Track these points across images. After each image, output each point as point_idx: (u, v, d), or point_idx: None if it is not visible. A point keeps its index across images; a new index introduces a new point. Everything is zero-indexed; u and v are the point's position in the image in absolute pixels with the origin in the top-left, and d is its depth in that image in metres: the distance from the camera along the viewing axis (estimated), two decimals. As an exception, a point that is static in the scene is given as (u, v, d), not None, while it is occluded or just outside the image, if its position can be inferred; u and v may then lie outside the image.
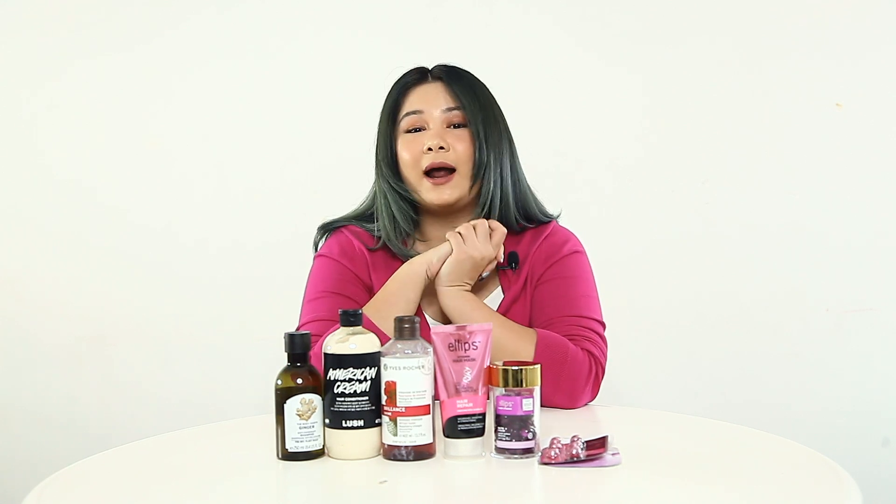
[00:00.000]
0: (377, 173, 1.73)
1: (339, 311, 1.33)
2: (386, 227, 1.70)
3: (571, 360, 1.57)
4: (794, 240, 2.55)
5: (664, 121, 2.58)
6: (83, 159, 2.61)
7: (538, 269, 1.70)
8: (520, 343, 1.56)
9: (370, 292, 1.69)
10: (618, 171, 2.58)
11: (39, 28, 2.60)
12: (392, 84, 1.74)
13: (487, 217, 1.69)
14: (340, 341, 1.31)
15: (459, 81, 1.70)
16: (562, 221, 1.79)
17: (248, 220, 2.61)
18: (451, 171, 1.66)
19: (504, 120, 1.73)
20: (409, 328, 1.30)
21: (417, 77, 1.72)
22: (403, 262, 1.70)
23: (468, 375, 1.30)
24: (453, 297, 1.62)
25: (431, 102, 1.69)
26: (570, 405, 1.58)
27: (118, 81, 2.60)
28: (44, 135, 2.62)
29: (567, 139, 2.55)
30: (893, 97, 2.54)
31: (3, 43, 2.61)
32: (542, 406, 1.54)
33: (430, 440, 1.30)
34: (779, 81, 2.55)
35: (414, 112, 1.69)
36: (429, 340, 1.31)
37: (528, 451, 1.29)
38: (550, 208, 1.78)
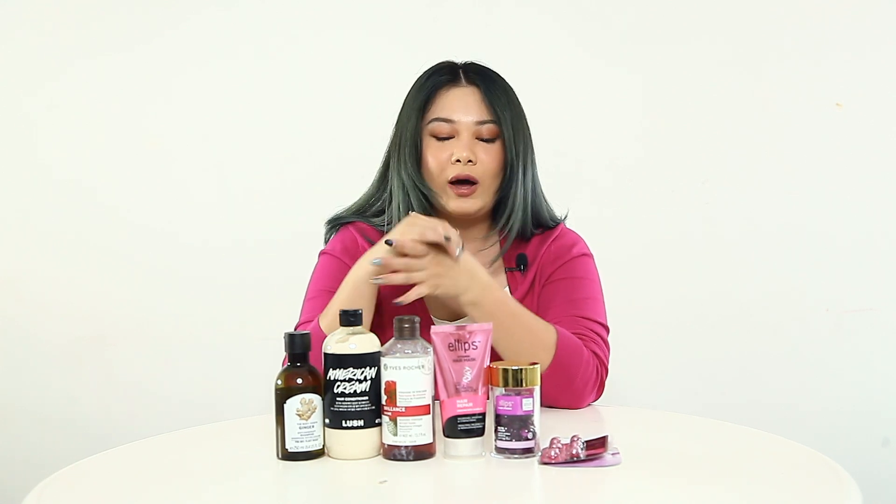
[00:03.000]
0: (396, 166, 1.69)
1: (339, 311, 1.33)
2: (400, 217, 1.67)
3: (585, 364, 1.57)
4: (794, 240, 2.55)
5: (664, 121, 2.58)
6: (83, 159, 2.61)
7: (547, 269, 1.70)
8: (541, 337, 1.54)
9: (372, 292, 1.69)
10: (618, 171, 2.58)
11: (39, 28, 2.60)
12: (421, 76, 1.70)
13: (508, 229, 1.68)
14: (340, 341, 1.31)
15: (495, 92, 1.66)
16: (564, 221, 1.79)
17: (248, 219, 2.61)
18: (474, 183, 1.65)
19: (529, 129, 1.70)
20: (409, 328, 1.30)
21: (450, 77, 1.68)
22: None
23: (468, 375, 1.30)
24: (478, 309, 1.54)
25: (464, 111, 1.65)
26: (575, 406, 1.59)
27: (118, 81, 2.60)
28: (44, 135, 2.62)
29: (567, 139, 2.54)
30: (893, 97, 2.54)
31: (3, 43, 2.61)
32: (545, 405, 1.56)
33: (430, 440, 1.30)
34: (779, 81, 2.55)
35: (445, 120, 1.65)
36: (429, 340, 1.31)
37: (528, 451, 1.29)
38: (556, 209, 1.78)
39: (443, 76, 1.69)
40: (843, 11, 2.54)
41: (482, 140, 1.66)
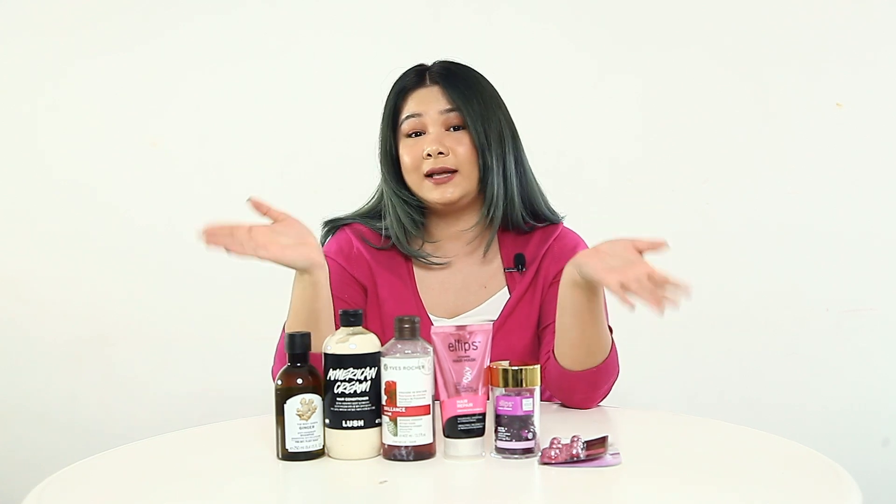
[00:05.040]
0: (382, 177, 1.72)
1: (340, 311, 1.33)
2: (394, 230, 1.69)
3: (616, 374, 1.59)
4: (794, 239, 2.56)
5: (664, 120, 2.58)
6: (83, 159, 2.61)
7: (550, 269, 1.69)
8: (606, 341, 1.55)
9: (367, 292, 1.69)
10: (618, 170, 2.58)
11: (39, 28, 2.60)
12: (391, 86, 1.73)
13: (491, 216, 1.68)
14: (340, 341, 1.31)
15: (456, 83, 1.68)
16: (564, 221, 1.79)
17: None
18: (452, 171, 1.65)
19: (506, 115, 1.70)
20: (409, 328, 1.30)
21: (415, 80, 1.70)
22: (411, 263, 1.70)
23: (468, 375, 1.30)
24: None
25: (429, 104, 1.67)
26: (586, 407, 1.59)
27: (118, 81, 2.60)
28: (44, 135, 2.62)
29: (567, 139, 2.55)
30: (893, 97, 2.54)
31: (3, 43, 2.61)
32: (558, 400, 1.58)
33: (430, 440, 1.30)
34: (779, 81, 2.55)
35: (413, 115, 1.67)
36: (429, 340, 1.31)
37: (528, 451, 1.29)
38: (555, 208, 1.78)
39: (408, 81, 1.71)
40: (843, 12, 2.54)
41: (452, 129, 1.66)
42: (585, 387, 1.56)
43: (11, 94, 2.62)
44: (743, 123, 2.56)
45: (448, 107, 1.66)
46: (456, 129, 1.67)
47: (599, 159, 2.58)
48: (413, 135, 1.67)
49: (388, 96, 1.72)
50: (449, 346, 1.30)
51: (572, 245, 1.72)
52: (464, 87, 1.68)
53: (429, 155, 1.64)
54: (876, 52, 2.54)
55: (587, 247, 1.74)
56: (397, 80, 1.72)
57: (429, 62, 1.73)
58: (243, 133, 2.61)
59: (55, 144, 2.62)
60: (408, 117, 1.68)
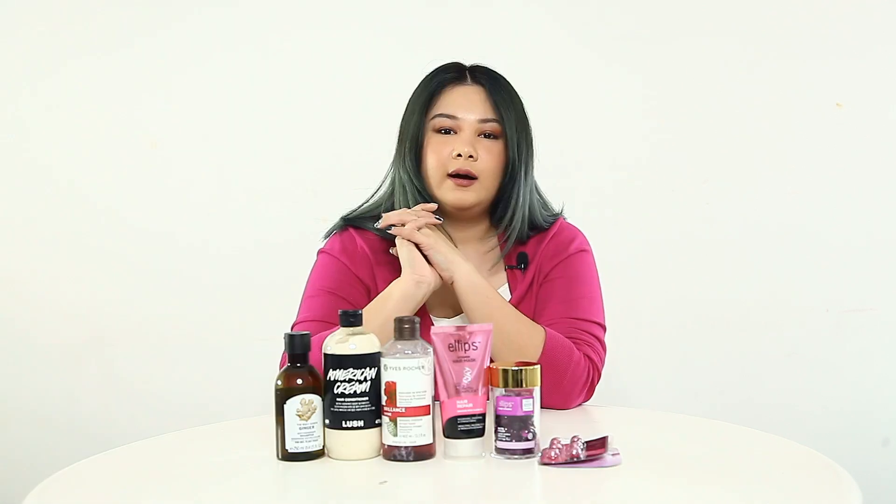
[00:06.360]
0: (398, 162, 1.71)
1: (339, 311, 1.33)
2: None
3: (574, 365, 1.57)
4: (794, 240, 2.56)
5: (665, 121, 2.58)
6: (82, 160, 2.61)
7: (545, 266, 1.70)
8: (528, 339, 1.56)
9: (370, 291, 1.69)
10: (618, 170, 2.58)
11: (36, 27, 2.60)
12: (428, 74, 1.71)
13: (504, 227, 1.69)
14: (340, 342, 1.30)
15: (500, 92, 1.68)
16: (563, 215, 1.79)
17: (248, 220, 2.61)
18: (473, 178, 1.66)
19: (532, 134, 1.71)
20: (409, 328, 1.30)
21: (456, 75, 1.70)
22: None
23: (468, 376, 1.30)
24: (471, 291, 1.59)
25: (468, 108, 1.66)
26: (562, 407, 1.59)
27: (116, 81, 2.60)
28: (43, 135, 2.62)
29: (567, 139, 2.54)
30: (893, 97, 2.54)
31: (1, 43, 2.61)
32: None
33: (430, 440, 1.30)
34: (779, 81, 2.55)
35: (448, 116, 1.66)
36: (429, 340, 1.31)
37: (528, 452, 1.29)
38: (553, 204, 1.78)
39: (448, 74, 1.71)
40: (844, 11, 2.54)
41: (484, 136, 1.67)
42: (545, 390, 1.54)
43: (9, 94, 2.61)
44: (743, 123, 2.56)
45: (488, 116, 1.66)
46: (488, 136, 1.67)
47: (599, 159, 2.58)
48: (443, 131, 1.67)
49: (424, 84, 1.71)
50: (449, 347, 1.30)
51: (568, 241, 1.72)
52: (507, 98, 1.68)
53: (459, 155, 1.64)
54: (876, 52, 2.54)
55: (585, 240, 1.74)
56: (436, 72, 1.71)
57: (441, 62, 1.72)
58: (242, 134, 2.61)
59: (54, 145, 2.62)
60: (442, 115, 1.67)
